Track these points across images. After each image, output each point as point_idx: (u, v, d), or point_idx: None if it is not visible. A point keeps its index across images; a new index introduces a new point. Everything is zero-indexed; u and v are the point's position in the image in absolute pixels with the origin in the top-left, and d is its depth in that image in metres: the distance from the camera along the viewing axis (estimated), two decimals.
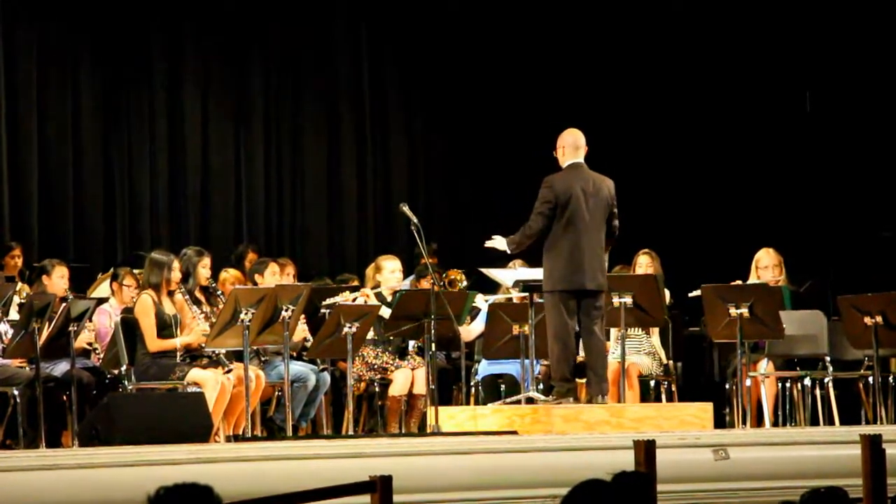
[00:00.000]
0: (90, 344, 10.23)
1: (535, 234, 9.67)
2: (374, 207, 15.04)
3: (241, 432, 9.63)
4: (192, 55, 14.37)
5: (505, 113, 15.15)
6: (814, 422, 11.00)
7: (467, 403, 11.10)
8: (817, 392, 11.04)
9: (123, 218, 13.93)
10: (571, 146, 9.77)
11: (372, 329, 10.54)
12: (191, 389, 9.52)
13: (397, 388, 10.87)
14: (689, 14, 15.25)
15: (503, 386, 11.16)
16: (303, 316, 10.34)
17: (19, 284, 10.83)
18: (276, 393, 10.47)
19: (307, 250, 14.64)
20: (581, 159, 9.76)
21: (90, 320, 9.90)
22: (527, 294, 10.31)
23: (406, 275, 11.81)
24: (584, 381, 9.99)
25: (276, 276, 11.04)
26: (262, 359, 10.39)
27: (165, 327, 9.75)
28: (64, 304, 9.44)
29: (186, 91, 14.30)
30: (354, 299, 10.90)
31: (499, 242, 9.85)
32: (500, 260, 11.30)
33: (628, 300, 10.39)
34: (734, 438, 9.08)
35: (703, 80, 15.10)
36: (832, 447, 8.78)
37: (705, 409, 9.96)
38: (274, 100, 14.75)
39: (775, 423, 11.01)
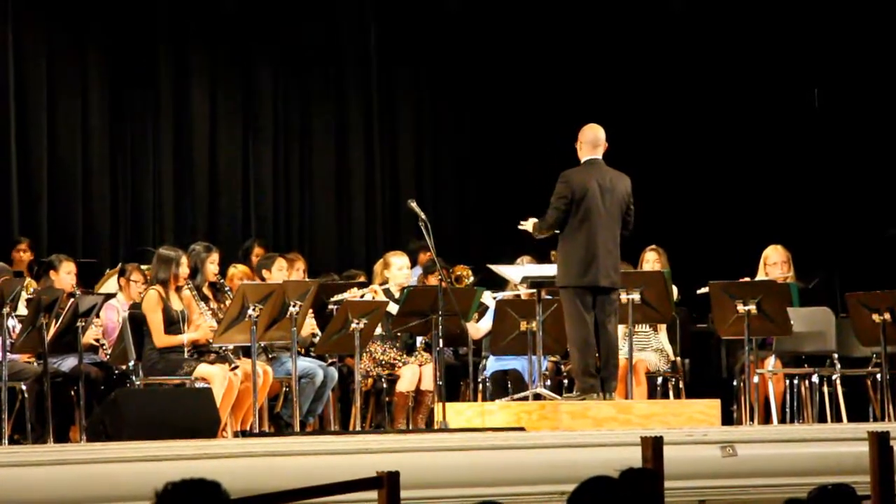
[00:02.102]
0: (98, 339, 10.24)
1: (549, 227, 9.70)
2: (382, 204, 15.04)
3: (248, 428, 9.63)
4: (200, 53, 14.37)
5: (512, 110, 15.14)
6: (821, 419, 10.99)
7: (475, 400, 11.10)
8: (825, 389, 11.03)
9: (131, 214, 13.94)
10: (590, 142, 9.77)
11: (380, 325, 10.54)
12: (198, 385, 9.53)
13: (405, 384, 10.88)
14: (695, 11, 15.23)
15: (510, 382, 11.16)
16: (311, 312, 10.34)
17: (27, 279, 10.84)
18: (284, 389, 10.48)
19: (315, 247, 14.64)
20: (599, 156, 9.75)
21: (98, 316, 9.91)
22: (534, 290, 10.31)
23: None
24: None
25: (283, 271, 11.04)
26: (270, 355, 10.39)
27: (173, 323, 9.75)
28: (72, 300, 9.45)
29: (194, 89, 14.31)
30: (363, 296, 10.91)
31: (530, 224, 9.86)
32: (507, 256, 11.31)
33: (636, 296, 10.38)
34: (742, 435, 9.08)
35: (711, 77, 15.08)
36: (840, 444, 8.78)
37: (713, 406, 9.96)
38: (282, 97, 14.75)
39: (783, 420, 11.01)
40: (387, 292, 11.02)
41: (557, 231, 9.69)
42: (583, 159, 9.78)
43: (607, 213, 9.60)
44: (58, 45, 13.69)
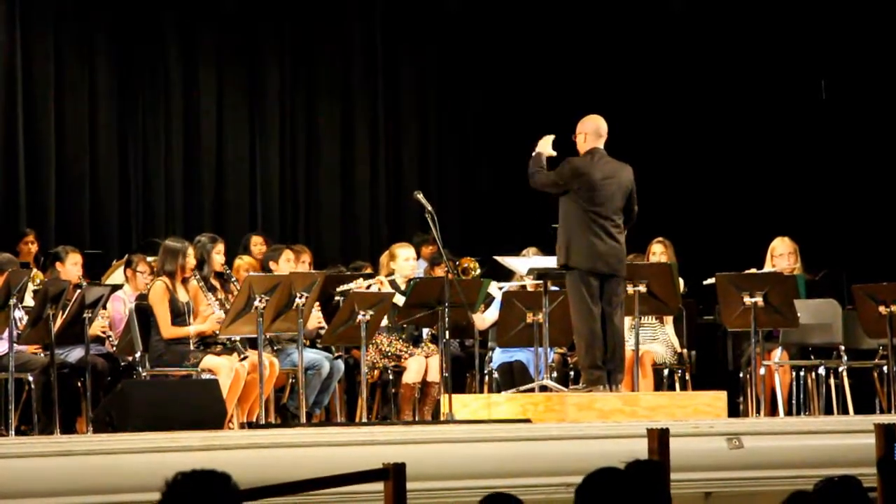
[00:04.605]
0: (104, 331, 10.25)
1: (537, 183, 9.69)
2: (387, 196, 15.05)
3: (254, 419, 9.64)
4: (208, 44, 14.38)
5: (516, 104, 15.12)
6: (828, 411, 10.98)
7: (481, 391, 11.10)
8: (831, 381, 11.02)
9: (138, 206, 13.96)
10: (593, 133, 9.74)
11: (386, 317, 10.54)
12: (205, 376, 9.53)
13: (411, 376, 10.88)
14: (702, 2, 15.21)
15: (516, 374, 11.16)
16: (317, 303, 10.34)
17: (34, 271, 10.85)
18: (290, 380, 10.48)
19: (321, 238, 14.66)
20: (601, 146, 9.73)
21: (104, 307, 9.92)
22: (541, 282, 10.30)
23: None
24: None
25: (290, 262, 11.04)
26: (275, 347, 10.39)
27: (179, 315, 9.76)
28: (78, 291, 9.46)
29: (202, 80, 14.32)
30: (368, 287, 10.91)
31: (541, 145, 9.82)
32: (513, 248, 11.30)
33: (642, 288, 10.38)
34: (748, 427, 9.07)
35: (719, 69, 15.06)
36: (846, 436, 8.77)
37: (719, 398, 9.95)
38: (289, 90, 14.76)
39: (789, 412, 11.00)
40: (392, 283, 11.02)
41: (532, 187, 9.68)
42: (584, 150, 9.76)
43: (611, 203, 9.58)
44: (66, 38, 13.69)
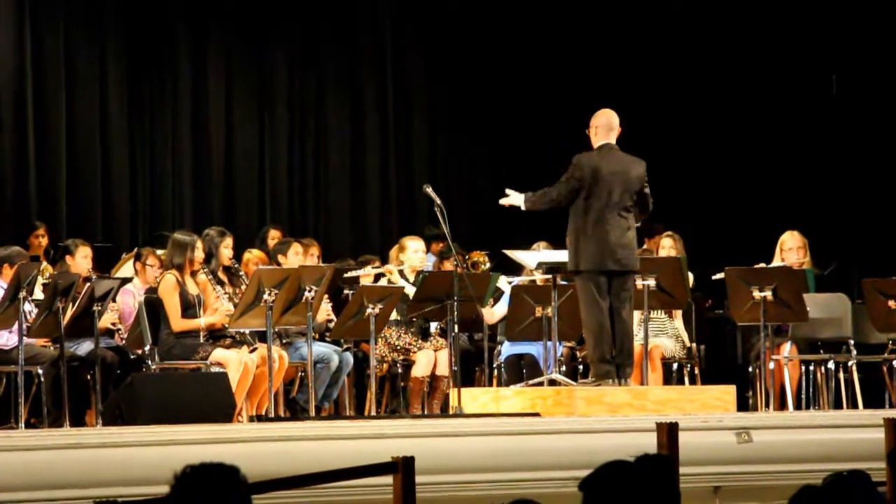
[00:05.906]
0: (114, 324, 10.26)
1: (553, 201, 9.67)
2: (397, 190, 15.04)
3: (263, 413, 9.65)
4: (217, 37, 14.38)
5: (526, 96, 15.12)
6: (837, 405, 10.98)
7: (490, 385, 11.10)
8: (841, 375, 11.01)
9: (148, 200, 13.97)
10: (605, 127, 9.72)
11: (395, 310, 10.55)
12: (214, 370, 9.54)
13: (420, 370, 10.88)
14: None
15: (525, 368, 11.16)
16: (326, 297, 10.35)
17: (44, 264, 10.87)
18: (299, 374, 10.49)
19: (330, 232, 14.66)
20: (613, 141, 9.71)
21: (114, 300, 9.93)
22: (550, 276, 10.30)
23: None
24: None
25: (298, 256, 11.05)
26: (284, 340, 10.40)
27: (189, 307, 9.77)
28: (88, 284, 9.48)
29: (211, 73, 14.32)
30: (377, 277, 10.91)
31: (515, 198, 9.83)
32: (523, 242, 11.30)
33: (651, 283, 10.37)
34: (757, 421, 9.07)
35: (729, 63, 15.04)
36: (855, 430, 8.77)
37: (728, 392, 9.95)
38: (298, 82, 14.76)
39: (798, 407, 10.99)
40: (400, 273, 11.02)
41: (562, 206, 9.66)
42: (596, 144, 9.75)
43: (619, 199, 9.57)
44: (75, 32, 13.70)
